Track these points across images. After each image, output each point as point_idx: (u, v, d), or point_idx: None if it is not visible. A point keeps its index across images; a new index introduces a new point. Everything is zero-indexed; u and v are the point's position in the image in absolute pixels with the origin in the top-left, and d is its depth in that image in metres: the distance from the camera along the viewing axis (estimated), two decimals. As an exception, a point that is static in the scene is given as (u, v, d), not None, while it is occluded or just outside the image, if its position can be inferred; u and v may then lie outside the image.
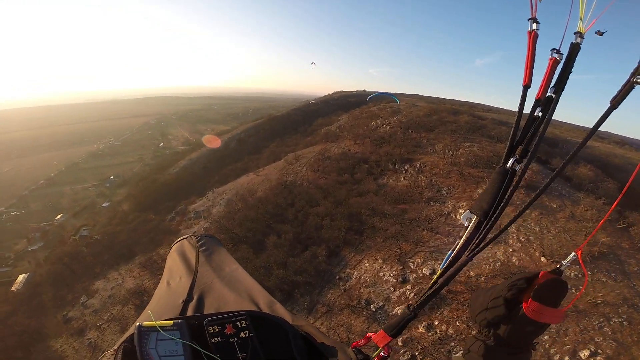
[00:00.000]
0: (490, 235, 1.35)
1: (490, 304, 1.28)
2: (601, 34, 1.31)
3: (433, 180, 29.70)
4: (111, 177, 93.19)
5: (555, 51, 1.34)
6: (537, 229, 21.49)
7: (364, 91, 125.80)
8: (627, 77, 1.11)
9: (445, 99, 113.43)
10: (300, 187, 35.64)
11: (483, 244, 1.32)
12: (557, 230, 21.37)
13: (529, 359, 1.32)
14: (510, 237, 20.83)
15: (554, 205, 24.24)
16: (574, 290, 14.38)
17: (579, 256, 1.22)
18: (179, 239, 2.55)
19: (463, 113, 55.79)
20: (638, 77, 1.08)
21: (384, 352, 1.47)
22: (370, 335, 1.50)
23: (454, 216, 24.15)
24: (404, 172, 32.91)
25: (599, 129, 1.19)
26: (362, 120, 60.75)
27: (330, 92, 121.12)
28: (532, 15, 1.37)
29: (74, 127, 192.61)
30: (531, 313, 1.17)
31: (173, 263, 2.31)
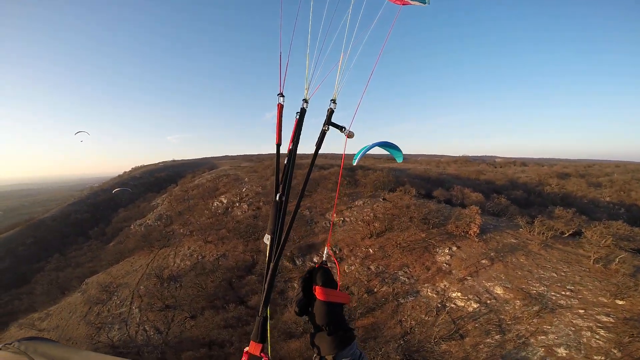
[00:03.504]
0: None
1: (295, 296, 1.71)
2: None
3: (371, 266, 20.26)
4: None
5: (298, 113, 1.93)
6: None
7: (173, 161, 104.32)
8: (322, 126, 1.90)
9: (258, 154, 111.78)
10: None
11: (278, 252, 1.78)
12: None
13: (353, 337, 1.59)
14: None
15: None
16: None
17: (329, 249, 1.82)
18: None
19: (304, 166, 51.05)
20: (326, 126, 1.87)
21: (264, 359, 1.53)
22: (246, 349, 1.56)
23: (454, 305, 15.21)
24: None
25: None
26: (194, 201, 45.07)
27: (127, 170, 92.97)
28: (280, 91, 1.93)
29: None
30: (319, 295, 1.60)
31: None
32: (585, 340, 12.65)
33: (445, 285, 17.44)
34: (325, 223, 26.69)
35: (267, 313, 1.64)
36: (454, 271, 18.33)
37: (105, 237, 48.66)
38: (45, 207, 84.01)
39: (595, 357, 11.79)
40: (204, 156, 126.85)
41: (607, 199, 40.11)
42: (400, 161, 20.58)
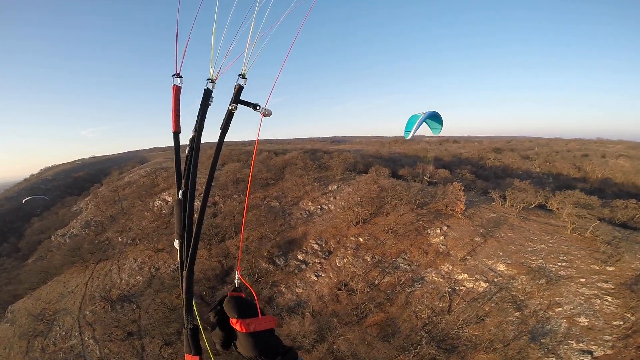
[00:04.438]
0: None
1: (212, 332, 1.41)
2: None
3: (366, 257, 18.82)
4: None
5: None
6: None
7: (92, 157, 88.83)
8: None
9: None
10: None
11: (190, 257, 1.44)
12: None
13: (295, 356, 1.39)
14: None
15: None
16: None
17: (239, 274, 1.48)
18: None
19: (263, 151, 47.47)
20: (233, 105, 1.50)
21: None
22: None
23: (464, 287, 14.70)
24: (305, 265, 19.68)
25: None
26: (128, 202, 38.60)
27: (35, 172, 77.83)
28: (177, 71, 1.55)
29: None
30: (238, 327, 1.33)
31: None
32: (597, 307, 13.06)
33: (448, 268, 16.95)
34: (300, 213, 24.45)
35: (197, 323, 1.40)
36: (452, 252, 18.02)
37: (20, 253, 39.87)
38: None
39: (614, 323, 12.13)
40: (130, 149, 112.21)
41: (538, 169, 45.16)
42: (437, 134, 19.09)
